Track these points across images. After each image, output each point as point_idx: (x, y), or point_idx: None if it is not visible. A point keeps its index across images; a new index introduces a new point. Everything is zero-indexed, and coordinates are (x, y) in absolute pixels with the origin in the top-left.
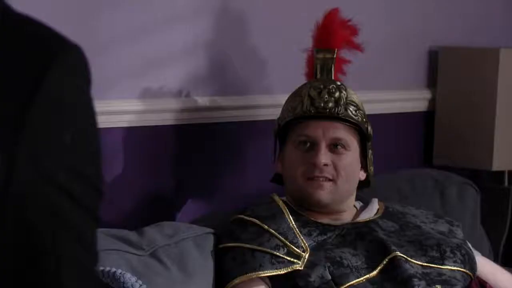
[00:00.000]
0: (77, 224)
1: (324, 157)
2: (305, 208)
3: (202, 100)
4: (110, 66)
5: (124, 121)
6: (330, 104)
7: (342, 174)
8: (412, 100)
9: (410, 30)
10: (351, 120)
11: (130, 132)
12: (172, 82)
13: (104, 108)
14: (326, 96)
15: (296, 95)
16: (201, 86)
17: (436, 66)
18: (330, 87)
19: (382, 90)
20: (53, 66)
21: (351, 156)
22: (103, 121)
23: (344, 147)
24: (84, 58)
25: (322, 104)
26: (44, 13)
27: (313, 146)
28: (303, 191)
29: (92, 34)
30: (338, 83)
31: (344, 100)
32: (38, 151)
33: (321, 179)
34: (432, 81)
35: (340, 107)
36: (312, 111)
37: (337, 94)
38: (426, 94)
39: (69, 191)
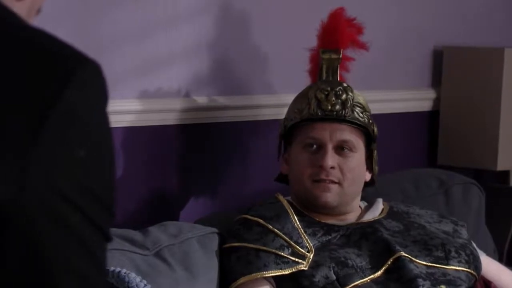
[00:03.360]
0: (86, 239)
1: (331, 159)
2: (310, 209)
3: (204, 100)
4: (112, 65)
5: (126, 121)
6: (337, 107)
7: (348, 177)
8: (416, 100)
9: (415, 29)
10: (358, 122)
11: (132, 132)
12: (174, 82)
13: None
14: (333, 98)
15: (302, 97)
16: (203, 86)
17: (441, 66)
18: (337, 89)
19: (387, 90)
20: (69, 82)
21: (357, 158)
22: None
23: (350, 149)
24: (101, 75)
25: (329, 107)
26: (46, 13)
27: (320, 149)
28: (310, 193)
29: (94, 33)
30: (345, 84)
31: (351, 102)
32: (49, 165)
33: (327, 181)
34: (436, 81)
35: (347, 109)
36: (319, 114)
37: (344, 96)
38: (431, 94)
39: (79, 206)
